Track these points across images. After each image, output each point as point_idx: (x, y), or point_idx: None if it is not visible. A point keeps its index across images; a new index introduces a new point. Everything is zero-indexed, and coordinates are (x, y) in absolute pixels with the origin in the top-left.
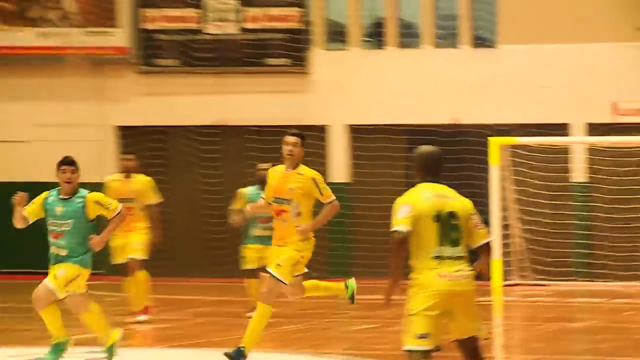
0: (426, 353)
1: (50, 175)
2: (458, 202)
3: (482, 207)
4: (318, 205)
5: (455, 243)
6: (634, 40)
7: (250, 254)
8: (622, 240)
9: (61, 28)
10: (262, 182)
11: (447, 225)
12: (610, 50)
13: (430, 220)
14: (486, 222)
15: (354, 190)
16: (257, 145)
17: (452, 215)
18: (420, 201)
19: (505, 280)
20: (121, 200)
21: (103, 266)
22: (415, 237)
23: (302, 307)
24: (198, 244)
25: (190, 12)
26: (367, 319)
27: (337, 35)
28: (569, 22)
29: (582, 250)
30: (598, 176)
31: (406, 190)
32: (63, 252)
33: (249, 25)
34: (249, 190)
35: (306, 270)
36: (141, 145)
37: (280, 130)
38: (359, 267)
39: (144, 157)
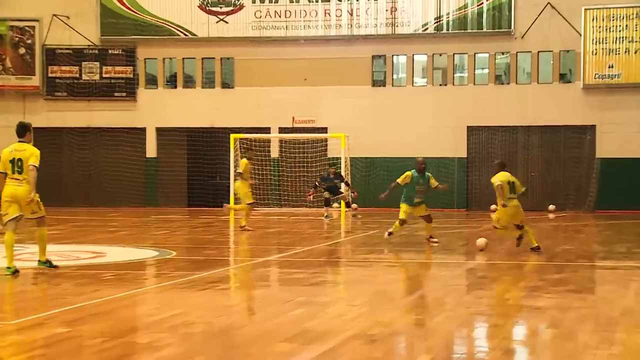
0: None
1: None
2: None
3: (225, 170)
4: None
5: None
6: (304, 85)
7: None
8: (295, 185)
9: (2, 75)
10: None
11: None
12: (288, 90)
13: None
14: (227, 178)
15: (159, 161)
16: (107, 137)
17: None
18: None
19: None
20: None
21: None
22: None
23: (130, 220)
24: None
25: (74, 68)
26: (165, 225)
27: (151, 81)
28: (273, 75)
29: (276, 191)
30: (284, 154)
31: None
32: None
33: (105, 75)
34: None
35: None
36: (41, 140)
37: (119, 130)
38: None
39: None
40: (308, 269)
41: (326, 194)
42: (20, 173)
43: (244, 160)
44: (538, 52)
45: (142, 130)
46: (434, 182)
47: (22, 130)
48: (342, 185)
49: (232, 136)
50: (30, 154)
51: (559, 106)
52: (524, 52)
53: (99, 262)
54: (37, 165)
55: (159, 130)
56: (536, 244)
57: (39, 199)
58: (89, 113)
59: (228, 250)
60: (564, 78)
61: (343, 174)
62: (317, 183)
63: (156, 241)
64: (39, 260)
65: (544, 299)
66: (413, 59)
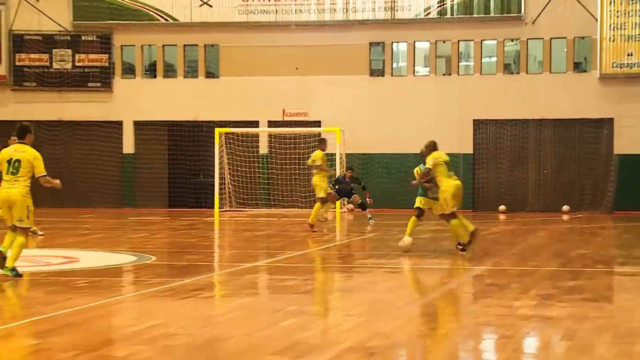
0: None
1: None
2: None
3: (209, 167)
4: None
5: None
6: (296, 74)
7: None
8: (285, 184)
9: None
10: None
11: None
12: (278, 80)
13: None
14: (212, 176)
15: (137, 157)
16: (80, 131)
17: None
18: None
19: (220, 208)
20: None
21: None
22: None
23: (105, 223)
24: None
25: (43, 56)
26: (144, 228)
27: (128, 70)
28: (262, 63)
29: (265, 191)
30: (274, 150)
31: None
32: None
33: (78, 64)
34: None
35: None
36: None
37: (94, 123)
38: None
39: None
40: (300, 276)
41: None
42: (14, 174)
43: (319, 152)
44: (550, 38)
45: (119, 124)
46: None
47: (22, 132)
48: (359, 189)
49: (217, 130)
50: (33, 157)
51: (573, 98)
52: (535, 39)
53: (71, 268)
54: (45, 173)
55: (137, 124)
56: (464, 242)
57: (32, 208)
58: (60, 105)
59: (212, 255)
60: (578, 67)
61: (337, 172)
62: (331, 184)
63: (134, 245)
64: (5, 267)
65: (557, 308)
66: (414, 47)
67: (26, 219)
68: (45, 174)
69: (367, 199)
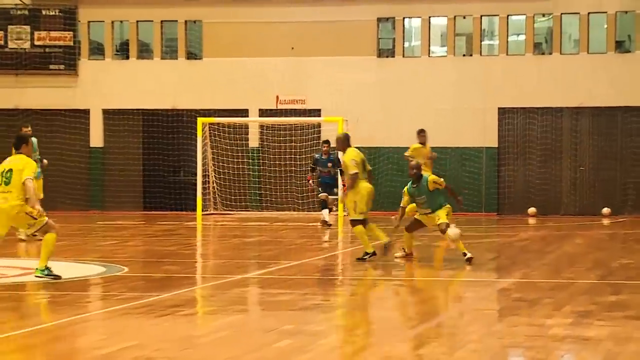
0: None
1: None
2: None
3: (191, 163)
4: None
5: None
6: (291, 55)
7: None
8: (279, 183)
9: None
10: None
11: None
12: (271, 62)
13: None
14: (194, 174)
15: (106, 152)
16: (40, 122)
17: None
18: None
19: (204, 210)
20: None
21: None
22: None
23: (69, 228)
24: None
25: None
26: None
27: (97, 50)
28: (251, 42)
29: (255, 191)
30: (266, 143)
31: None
32: None
33: (38, 43)
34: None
35: None
36: None
37: (56, 112)
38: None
39: None
40: (296, 289)
41: (322, 195)
42: (7, 184)
43: (417, 145)
44: (588, 13)
45: (85, 113)
46: (432, 184)
47: (19, 142)
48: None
49: (200, 120)
50: (24, 165)
51: (614, 82)
52: (570, 14)
53: (30, 281)
54: (31, 178)
55: (107, 113)
56: (372, 251)
57: (38, 208)
58: (17, 90)
59: (194, 266)
60: (621, 47)
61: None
62: (312, 166)
63: (103, 254)
64: (37, 269)
65: (595, 327)
66: (429, 23)
67: (35, 220)
68: (30, 177)
69: (343, 186)
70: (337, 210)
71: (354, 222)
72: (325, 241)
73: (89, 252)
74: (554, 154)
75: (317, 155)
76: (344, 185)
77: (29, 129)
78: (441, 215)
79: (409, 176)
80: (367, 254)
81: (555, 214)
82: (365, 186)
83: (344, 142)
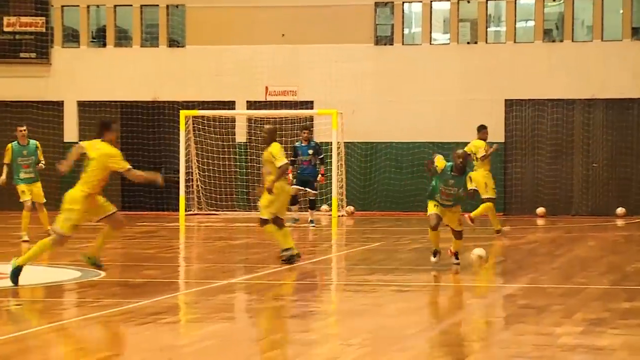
0: None
1: None
2: None
3: (173, 160)
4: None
5: None
6: (281, 42)
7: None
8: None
9: None
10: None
11: None
12: (261, 49)
13: None
14: (176, 171)
15: None
16: (10, 114)
17: None
18: None
19: (187, 210)
20: None
21: None
22: None
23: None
24: None
25: None
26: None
27: (71, 37)
28: (239, 29)
29: (242, 190)
30: (255, 138)
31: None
32: None
33: (7, 29)
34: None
35: None
36: None
37: (27, 104)
38: None
39: None
40: (287, 296)
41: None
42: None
43: (480, 141)
44: None
45: (59, 105)
46: (470, 184)
47: (99, 128)
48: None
49: (183, 113)
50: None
51: (632, 72)
52: None
53: (1, 287)
54: (126, 167)
55: (82, 105)
56: (296, 252)
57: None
58: None
59: (177, 270)
60: (638, 33)
61: (335, 166)
62: (292, 158)
63: (78, 257)
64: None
65: (609, 336)
66: (431, 7)
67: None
68: (124, 167)
69: (321, 175)
70: (329, 208)
71: (264, 222)
72: (317, 244)
73: (63, 255)
74: (564, 149)
75: (297, 144)
76: (322, 175)
77: (24, 128)
78: (453, 219)
79: (455, 167)
80: (288, 249)
81: (565, 214)
82: (288, 188)
83: (274, 134)
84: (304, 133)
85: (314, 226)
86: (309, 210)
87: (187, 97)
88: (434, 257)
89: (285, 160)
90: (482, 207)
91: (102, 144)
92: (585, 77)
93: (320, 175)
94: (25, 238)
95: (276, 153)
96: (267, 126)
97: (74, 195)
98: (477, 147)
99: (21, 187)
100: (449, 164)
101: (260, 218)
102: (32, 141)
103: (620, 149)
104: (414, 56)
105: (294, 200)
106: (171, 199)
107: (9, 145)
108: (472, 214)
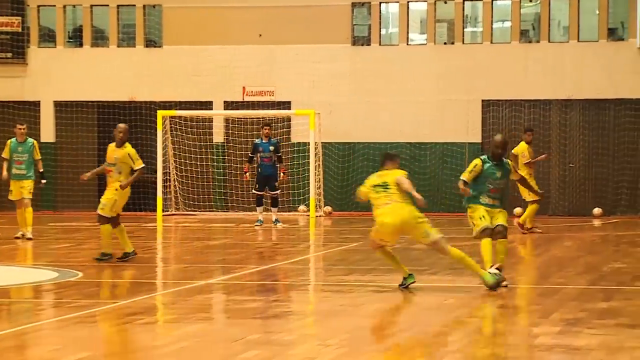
0: None
1: None
2: None
3: (151, 160)
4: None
5: None
6: (259, 43)
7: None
8: (246, 182)
9: None
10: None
11: None
12: (238, 50)
13: None
14: (153, 171)
15: (58, 147)
16: None
17: None
18: None
19: (164, 211)
20: None
21: None
22: None
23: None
24: None
25: None
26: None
27: (47, 36)
28: (216, 29)
29: (220, 190)
30: (232, 138)
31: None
32: None
33: None
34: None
35: None
36: None
37: (3, 104)
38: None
39: None
40: (264, 296)
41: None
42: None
43: (525, 146)
44: None
45: (35, 105)
46: (515, 174)
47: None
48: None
49: (160, 113)
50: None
51: (608, 72)
52: None
53: None
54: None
55: (59, 105)
56: (131, 250)
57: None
58: None
59: (154, 271)
60: (614, 34)
61: (312, 166)
62: (250, 155)
63: (55, 258)
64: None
65: (586, 336)
66: (408, 8)
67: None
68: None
69: (281, 174)
70: (307, 209)
71: (104, 219)
72: (294, 245)
73: (40, 256)
74: (541, 149)
75: (257, 140)
76: (283, 173)
77: (24, 126)
78: (501, 217)
79: (493, 156)
80: (127, 254)
81: (542, 214)
82: (129, 191)
83: (127, 133)
84: (265, 129)
85: (279, 225)
86: (272, 208)
87: (164, 98)
88: (499, 272)
89: (142, 165)
90: (528, 210)
91: None
92: (562, 77)
93: (282, 174)
94: (29, 235)
95: (135, 154)
96: (122, 125)
97: None
98: (521, 150)
99: (11, 184)
100: (483, 156)
101: (101, 215)
102: (30, 139)
103: (597, 149)
104: (391, 56)
105: (259, 202)
106: (149, 199)
107: (9, 141)
108: (521, 220)
